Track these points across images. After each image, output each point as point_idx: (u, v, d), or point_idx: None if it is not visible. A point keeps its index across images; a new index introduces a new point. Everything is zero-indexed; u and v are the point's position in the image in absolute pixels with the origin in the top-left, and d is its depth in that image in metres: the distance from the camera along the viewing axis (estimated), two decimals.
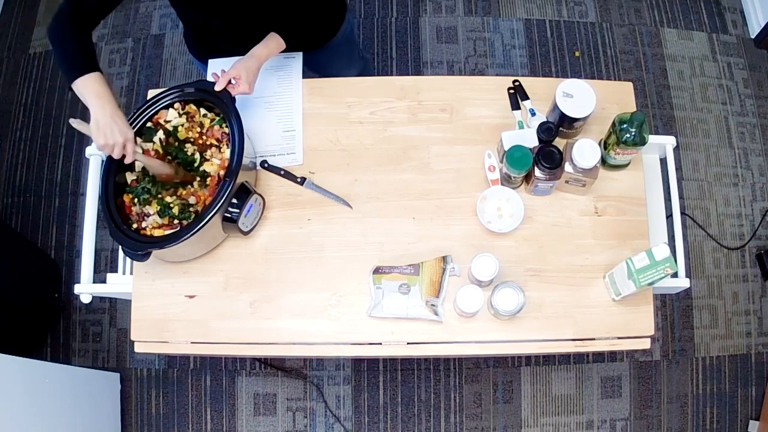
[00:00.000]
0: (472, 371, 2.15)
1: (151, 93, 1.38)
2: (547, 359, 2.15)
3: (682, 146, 2.39)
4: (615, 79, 2.44)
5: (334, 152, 1.44)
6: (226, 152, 1.29)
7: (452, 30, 2.55)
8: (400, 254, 1.35)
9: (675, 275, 1.33)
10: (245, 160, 1.26)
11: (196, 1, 1.33)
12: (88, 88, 1.19)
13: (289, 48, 1.36)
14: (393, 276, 1.30)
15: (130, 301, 1.35)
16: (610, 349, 1.33)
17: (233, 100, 1.29)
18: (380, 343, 1.31)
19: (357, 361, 2.16)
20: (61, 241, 2.33)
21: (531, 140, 1.34)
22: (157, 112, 1.33)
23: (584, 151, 1.28)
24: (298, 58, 1.50)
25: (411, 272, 1.30)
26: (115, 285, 1.39)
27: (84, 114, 1.21)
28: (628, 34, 2.54)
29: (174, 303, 1.34)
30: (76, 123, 1.20)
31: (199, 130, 1.33)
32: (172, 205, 1.27)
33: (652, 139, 1.38)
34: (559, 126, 1.36)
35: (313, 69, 1.70)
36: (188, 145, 1.32)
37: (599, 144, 1.34)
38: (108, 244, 2.24)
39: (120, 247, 1.28)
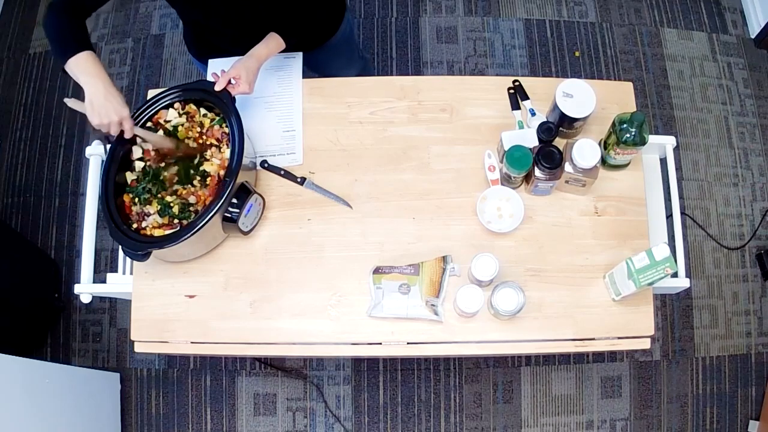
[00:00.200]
0: (472, 371, 2.15)
1: (151, 93, 1.38)
2: (547, 359, 2.15)
3: (682, 146, 2.39)
4: (615, 79, 2.44)
5: (334, 152, 1.44)
6: (226, 152, 1.29)
7: (452, 30, 2.55)
8: (400, 254, 1.35)
9: (675, 275, 1.33)
10: (245, 160, 1.26)
11: (196, 0, 1.33)
12: (81, 67, 1.18)
13: (289, 48, 1.36)
14: (393, 276, 1.30)
15: (130, 301, 1.35)
16: (610, 349, 1.33)
17: (233, 100, 1.29)
18: (380, 343, 1.31)
19: (357, 361, 2.16)
20: (61, 241, 2.33)
21: (531, 140, 1.34)
22: (157, 112, 1.33)
23: (584, 151, 1.28)
24: (298, 58, 1.50)
25: (411, 272, 1.30)
26: (115, 285, 1.39)
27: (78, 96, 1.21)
28: (628, 34, 2.54)
29: (174, 303, 1.34)
30: (71, 102, 1.20)
31: (199, 130, 1.33)
32: (172, 205, 1.27)
33: (652, 139, 1.38)
34: (559, 126, 1.36)
35: (312, 69, 1.70)
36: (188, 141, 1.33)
37: (599, 144, 1.34)
38: (108, 244, 2.24)
39: (120, 247, 1.28)
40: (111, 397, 2.07)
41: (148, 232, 1.25)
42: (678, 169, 2.32)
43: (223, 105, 1.29)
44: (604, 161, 1.37)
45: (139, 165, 1.30)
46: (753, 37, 2.54)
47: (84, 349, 2.21)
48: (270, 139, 1.44)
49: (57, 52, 1.21)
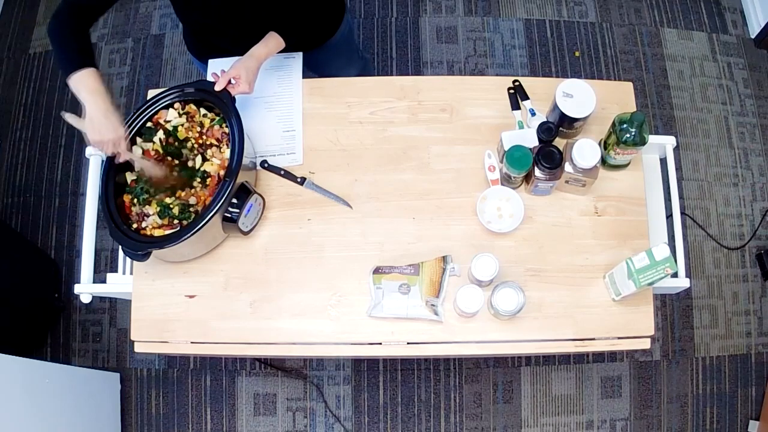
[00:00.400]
0: (472, 371, 2.15)
1: (151, 93, 1.38)
2: (547, 359, 2.15)
3: (682, 146, 2.39)
4: (615, 79, 2.44)
5: (334, 152, 1.44)
6: (226, 152, 1.29)
7: (452, 30, 2.55)
8: (400, 254, 1.35)
9: (675, 275, 1.33)
10: (245, 160, 1.26)
11: (196, 0, 1.33)
12: (83, 83, 1.19)
13: (289, 47, 1.36)
14: (393, 276, 1.30)
15: (130, 301, 1.35)
16: (610, 349, 1.33)
17: (233, 100, 1.29)
18: (380, 343, 1.31)
19: (357, 361, 2.16)
20: (61, 241, 2.33)
21: (531, 140, 1.34)
22: (157, 112, 1.33)
23: (584, 151, 1.28)
24: (298, 58, 1.50)
25: (411, 272, 1.30)
26: (115, 285, 1.39)
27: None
28: (628, 34, 2.54)
29: (174, 303, 1.34)
30: (69, 117, 1.20)
31: (199, 130, 1.33)
32: (172, 206, 1.27)
33: (652, 139, 1.38)
34: (559, 126, 1.36)
35: (312, 69, 1.70)
36: (186, 148, 1.32)
37: (599, 144, 1.34)
38: (108, 244, 2.24)
39: (120, 247, 1.28)
40: (111, 397, 2.07)
41: (148, 232, 1.25)
42: (678, 169, 2.32)
43: (223, 105, 1.29)
44: (604, 161, 1.37)
45: (138, 165, 1.30)
46: (753, 37, 2.53)
47: (84, 349, 2.21)
48: (270, 139, 1.44)
49: (61, 64, 1.22)
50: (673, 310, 2.21)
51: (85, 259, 1.38)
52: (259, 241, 1.37)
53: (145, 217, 1.26)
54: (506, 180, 1.37)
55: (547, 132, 1.33)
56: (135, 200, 1.28)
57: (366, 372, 2.15)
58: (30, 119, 2.49)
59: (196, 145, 1.32)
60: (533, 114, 1.44)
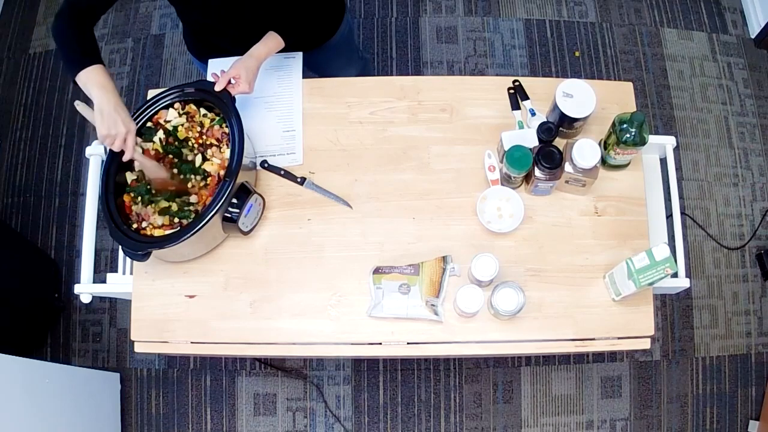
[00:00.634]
0: (472, 371, 2.15)
1: (151, 93, 1.38)
2: (547, 359, 2.15)
3: (682, 146, 2.39)
4: (615, 79, 2.44)
5: (334, 152, 1.44)
6: (226, 152, 1.29)
7: (452, 30, 2.55)
8: (400, 254, 1.35)
9: (675, 275, 1.33)
10: (245, 160, 1.26)
11: (196, 0, 1.33)
12: (92, 80, 1.20)
13: (288, 47, 1.36)
14: (393, 276, 1.30)
15: (130, 301, 1.35)
16: (610, 349, 1.33)
17: (233, 99, 1.29)
18: (380, 343, 1.31)
19: (357, 361, 2.16)
20: (61, 241, 2.33)
21: (531, 140, 1.34)
22: (157, 112, 1.33)
23: (584, 151, 1.28)
24: (298, 58, 1.50)
25: (411, 272, 1.30)
26: (115, 285, 1.39)
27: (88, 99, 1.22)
28: (628, 34, 2.54)
29: (174, 303, 1.34)
30: (81, 106, 1.20)
31: (199, 130, 1.33)
32: (170, 205, 1.27)
33: (652, 139, 1.38)
34: (559, 126, 1.36)
35: (312, 69, 1.70)
36: (186, 148, 1.32)
37: (599, 144, 1.34)
38: (108, 244, 2.24)
39: (120, 247, 1.28)
40: (111, 397, 2.07)
41: (148, 232, 1.25)
42: (678, 169, 2.32)
43: (223, 105, 1.29)
44: (604, 161, 1.37)
45: (138, 165, 1.30)
46: (753, 37, 2.53)
47: (84, 349, 2.21)
48: (270, 139, 1.44)
49: (68, 64, 1.23)
50: (673, 310, 2.21)
51: (85, 259, 1.38)
52: (259, 241, 1.37)
53: (146, 217, 1.26)
54: (506, 180, 1.37)
55: (547, 132, 1.33)
56: (135, 200, 1.28)
57: (366, 372, 2.15)
58: (30, 119, 2.49)
59: (196, 145, 1.32)
60: (533, 114, 1.44)
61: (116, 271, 1.41)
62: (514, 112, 1.46)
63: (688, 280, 1.35)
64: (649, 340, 1.31)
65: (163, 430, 2.13)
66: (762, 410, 2.08)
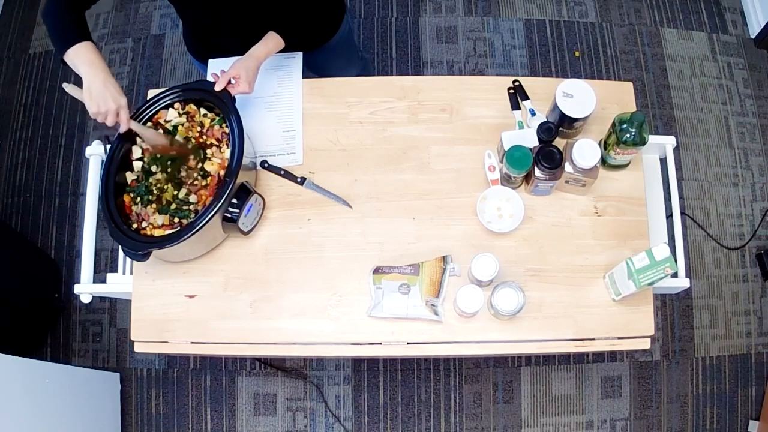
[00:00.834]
0: (472, 371, 2.15)
1: (151, 93, 1.38)
2: (547, 359, 2.15)
3: (682, 146, 2.39)
4: (615, 79, 2.44)
5: (334, 152, 1.44)
6: (226, 152, 1.29)
7: (452, 30, 2.55)
8: (400, 254, 1.35)
9: (675, 275, 1.33)
10: (245, 160, 1.26)
11: (196, 0, 1.33)
12: (80, 56, 1.18)
13: (288, 47, 1.36)
14: (393, 276, 1.30)
15: (130, 301, 1.35)
16: (610, 349, 1.33)
17: (233, 99, 1.29)
18: (380, 343, 1.31)
19: (357, 361, 2.16)
20: (61, 241, 2.33)
21: (531, 140, 1.34)
22: (157, 112, 1.33)
23: (584, 151, 1.28)
24: (298, 58, 1.50)
25: (411, 272, 1.30)
26: (115, 285, 1.39)
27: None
28: (628, 34, 2.54)
29: (174, 303, 1.34)
30: (69, 88, 1.20)
31: (199, 130, 1.33)
32: (172, 204, 1.27)
33: (652, 139, 1.38)
34: (559, 126, 1.36)
35: (312, 70, 1.70)
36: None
37: (599, 144, 1.34)
38: (108, 244, 2.24)
39: (120, 247, 1.28)
40: (111, 397, 2.07)
41: (148, 232, 1.25)
42: (678, 169, 2.32)
43: (223, 105, 1.29)
44: (604, 161, 1.37)
45: (138, 165, 1.30)
46: (753, 37, 2.54)
47: (84, 349, 2.21)
48: (270, 139, 1.44)
49: (57, 42, 1.21)
50: (673, 310, 2.21)
51: (85, 259, 1.38)
52: (259, 241, 1.37)
53: (146, 217, 1.27)
54: (506, 180, 1.37)
55: (547, 132, 1.33)
56: (135, 200, 1.28)
57: (366, 372, 2.15)
58: (30, 119, 2.49)
59: (196, 145, 1.32)
60: (533, 114, 1.44)
61: (116, 271, 1.41)
62: (514, 112, 1.46)
63: (688, 280, 1.35)
64: (649, 340, 1.31)
65: (163, 430, 2.13)
66: (762, 410, 2.08)
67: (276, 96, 1.47)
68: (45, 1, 1.24)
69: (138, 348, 1.34)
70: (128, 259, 1.41)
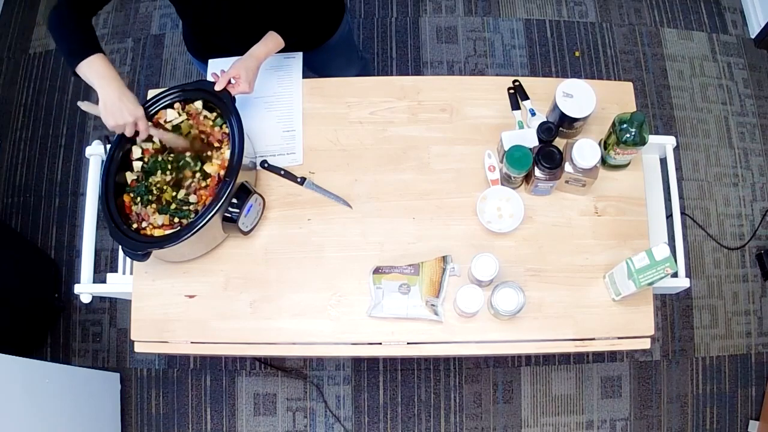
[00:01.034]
0: (472, 371, 2.15)
1: (151, 93, 1.38)
2: (547, 359, 2.15)
3: (682, 146, 2.39)
4: (615, 79, 2.44)
5: (334, 152, 1.44)
6: (226, 152, 1.29)
7: (452, 30, 2.55)
8: (400, 254, 1.35)
9: (675, 275, 1.33)
10: (245, 160, 1.26)
11: (196, 0, 1.33)
12: (93, 70, 1.18)
13: (288, 47, 1.36)
14: (393, 276, 1.30)
15: (130, 301, 1.35)
16: (610, 349, 1.33)
17: (233, 99, 1.29)
18: (380, 343, 1.31)
19: (357, 361, 2.16)
20: (61, 241, 2.33)
21: (531, 140, 1.34)
22: (157, 112, 1.33)
23: (584, 151, 1.28)
24: (298, 58, 1.50)
25: (411, 272, 1.30)
26: (115, 285, 1.39)
27: (89, 96, 1.22)
28: (628, 34, 2.54)
29: (174, 303, 1.34)
30: (84, 105, 1.20)
31: (202, 129, 1.32)
32: (172, 204, 1.27)
33: (652, 139, 1.38)
34: (559, 126, 1.36)
35: (312, 70, 1.70)
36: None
37: (599, 144, 1.34)
38: (108, 244, 2.24)
39: (120, 247, 1.28)
40: (111, 397, 2.07)
41: (148, 232, 1.25)
42: (678, 169, 2.32)
43: (223, 105, 1.29)
44: (604, 161, 1.37)
45: (138, 165, 1.30)
46: (753, 37, 2.54)
47: (84, 349, 2.21)
48: (270, 139, 1.44)
49: (67, 55, 1.20)
50: (673, 310, 2.21)
51: (85, 259, 1.38)
52: (259, 241, 1.37)
53: (146, 217, 1.26)
54: (506, 180, 1.37)
55: (547, 132, 1.33)
56: (136, 200, 1.28)
57: (366, 372, 2.15)
58: (30, 119, 2.49)
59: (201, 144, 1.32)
60: (533, 114, 1.44)
61: (116, 271, 1.41)
62: (514, 112, 1.46)
63: (688, 280, 1.35)
64: (649, 340, 1.31)
65: (163, 430, 2.13)
66: (762, 410, 2.08)
67: (276, 96, 1.47)
68: (50, 12, 1.22)
69: (138, 348, 1.34)
70: (128, 259, 1.41)
